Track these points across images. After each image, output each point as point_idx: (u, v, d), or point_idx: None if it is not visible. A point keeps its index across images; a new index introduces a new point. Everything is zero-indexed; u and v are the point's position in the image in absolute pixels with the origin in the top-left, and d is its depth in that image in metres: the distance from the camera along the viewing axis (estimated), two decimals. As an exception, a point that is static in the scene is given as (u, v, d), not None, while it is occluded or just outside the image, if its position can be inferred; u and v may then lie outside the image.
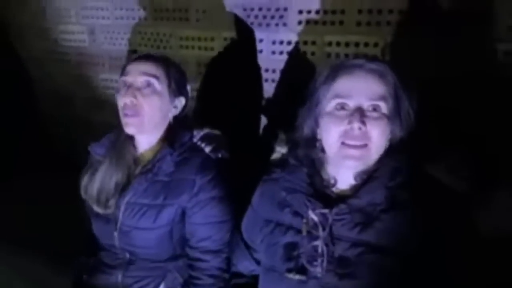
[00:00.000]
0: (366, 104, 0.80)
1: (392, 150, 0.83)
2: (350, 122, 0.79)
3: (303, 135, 0.91)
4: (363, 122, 0.78)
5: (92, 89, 2.14)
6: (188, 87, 1.19)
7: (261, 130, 1.64)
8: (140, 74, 1.06)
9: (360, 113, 0.79)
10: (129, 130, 1.07)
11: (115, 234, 1.10)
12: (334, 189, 0.87)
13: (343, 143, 0.81)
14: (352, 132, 0.79)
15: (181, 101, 1.15)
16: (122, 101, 1.06)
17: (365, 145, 0.80)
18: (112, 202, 1.09)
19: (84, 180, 1.15)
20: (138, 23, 1.85)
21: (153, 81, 1.06)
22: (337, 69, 0.85)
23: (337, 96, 0.82)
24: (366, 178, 0.82)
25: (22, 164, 2.16)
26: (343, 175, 0.86)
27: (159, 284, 1.10)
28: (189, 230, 1.08)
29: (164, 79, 1.09)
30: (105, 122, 2.12)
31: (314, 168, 0.90)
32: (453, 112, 1.17)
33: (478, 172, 0.79)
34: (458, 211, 0.78)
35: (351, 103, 0.81)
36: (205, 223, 1.07)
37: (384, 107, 0.80)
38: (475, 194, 0.77)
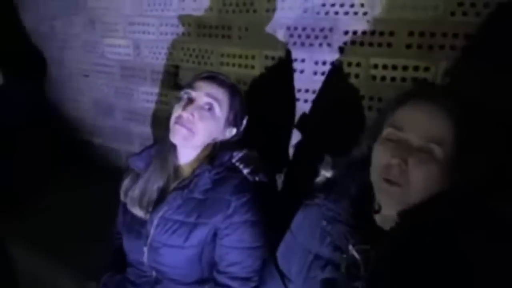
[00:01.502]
0: (416, 142, 0.72)
1: (447, 195, 0.73)
2: (392, 156, 0.72)
3: (361, 153, 0.86)
4: (405, 161, 0.70)
5: (133, 102, 2.18)
6: (245, 120, 1.18)
7: (298, 151, 1.59)
8: (206, 94, 1.06)
9: (404, 149, 0.71)
10: (174, 138, 1.07)
11: (145, 249, 1.08)
12: (379, 219, 0.80)
13: (383, 178, 0.74)
14: (392, 168, 0.72)
15: (232, 131, 1.15)
16: (179, 112, 1.06)
17: (400, 185, 0.72)
18: (151, 205, 1.10)
19: (125, 183, 1.16)
20: (182, 39, 1.87)
21: (215, 105, 1.07)
22: (406, 95, 0.78)
23: (392, 124, 0.76)
24: (410, 217, 0.74)
25: (60, 174, 2.22)
26: (386, 206, 0.78)
27: None
28: (218, 253, 1.05)
29: (226, 107, 1.09)
30: (143, 134, 2.16)
31: (363, 190, 0.83)
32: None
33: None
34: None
35: (401, 136, 0.73)
36: (236, 247, 1.03)
37: (438, 150, 0.70)
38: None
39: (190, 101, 1.06)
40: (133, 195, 1.11)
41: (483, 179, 0.73)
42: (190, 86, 1.09)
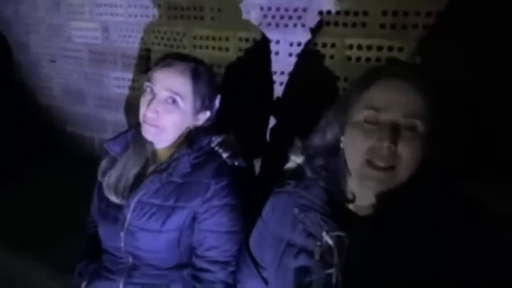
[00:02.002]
0: (401, 121, 0.70)
1: (427, 175, 0.73)
2: (379, 139, 0.70)
3: (325, 141, 0.83)
4: (395, 142, 0.69)
5: (103, 88, 2.11)
6: (217, 100, 1.14)
7: (275, 135, 1.58)
8: (166, 89, 1.02)
9: (393, 130, 0.69)
10: (146, 136, 1.06)
11: (122, 234, 1.06)
12: (353, 207, 0.79)
13: (368, 161, 0.72)
14: (380, 151, 0.70)
15: (205, 115, 1.11)
16: (144, 111, 1.03)
17: (392, 168, 0.70)
18: (126, 190, 1.08)
19: (103, 164, 1.15)
20: (152, 21, 1.80)
21: (177, 98, 1.03)
22: (374, 74, 0.76)
23: (369, 106, 0.73)
24: (389, 200, 0.73)
25: (28, 163, 2.15)
26: (363, 192, 0.78)
27: None
28: (197, 238, 1.04)
29: (190, 97, 1.05)
30: (116, 121, 2.10)
31: (333, 180, 0.82)
32: (492, 124, 1.09)
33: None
34: (499, 236, 0.69)
35: (384, 117, 0.71)
36: (215, 231, 1.03)
37: (421, 126, 0.70)
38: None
39: (152, 97, 1.02)
40: (109, 181, 1.09)
41: (454, 152, 0.74)
42: (150, 78, 1.04)
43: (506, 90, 1.09)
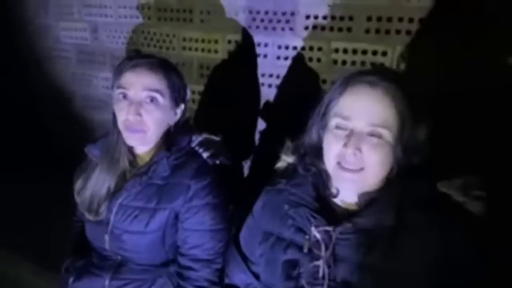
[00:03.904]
0: (366, 129, 0.74)
1: (401, 173, 0.77)
2: (345, 145, 0.75)
3: (311, 140, 0.87)
4: (359, 148, 0.73)
5: (92, 88, 2.10)
6: (188, 90, 1.14)
7: (263, 136, 1.60)
8: (143, 89, 1.00)
9: (356, 138, 0.74)
10: (131, 143, 1.05)
11: (106, 237, 1.07)
12: (340, 203, 0.83)
13: (338, 164, 0.77)
14: (347, 156, 0.75)
15: (181, 107, 1.11)
16: (124, 116, 1.01)
17: (361, 169, 0.75)
18: (103, 208, 1.07)
19: (78, 184, 1.13)
20: (141, 22, 1.81)
21: (157, 96, 1.02)
22: (348, 81, 0.79)
23: (338, 114, 0.78)
24: (371, 199, 0.78)
25: (19, 163, 2.13)
26: (346, 192, 0.82)
27: None
28: (181, 236, 1.05)
29: (167, 91, 1.04)
30: (106, 122, 2.09)
31: (320, 176, 0.86)
32: (468, 128, 1.13)
33: (494, 192, 0.74)
34: (472, 234, 0.73)
35: (350, 125, 0.76)
36: (197, 229, 1.04)
37: (386, 134, 0.74)
38: (490, 216, 0.72)
39: (131, 102, 1.00)
40: (84, 199, 1.09)
41: (423, 154, 0.77)
42: (121, 84, 1.01)
43: (486, 93, 1.14)
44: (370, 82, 0.76)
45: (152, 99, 1.01)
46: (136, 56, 1.06)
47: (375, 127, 0.74)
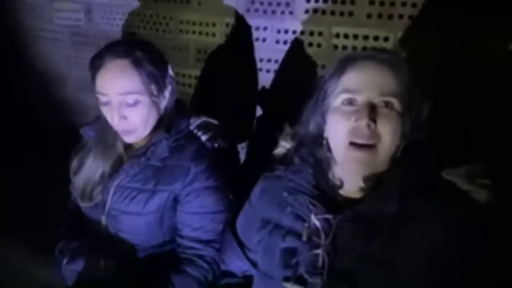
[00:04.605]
0: (377, 100, 0.72)
1: (405, 154, 0.75)
2: (357, 119, 0.72)
3: (309, 132, 0.84)
4: (373, 119, 0.71)
5: (86, 71, 2.05)
6: (170, 70, 1.08)
7: (260, 122, 1.58)
8: (119, 94, 0.97)
9: (369, 109, 0.71)
10: (128, 141, 1.05)
11: (103, 218, 1.07)
12: (341, 192, 0.81)
13: (351, 143, 0.74)
14: (360, 130, 0.72)
15: (168, 90, 1.07)
16: (111, 120, 1.00)
17: (374, 146, 0.72)
18: (97, 192, 1.07)
19: (74, 165, 1.12)
20: (137, 3, 1.77)
21: (135, 97, 0.98)
22: (346, 61, 0.78)
23: (345, 90, 0.75)
24: (376, 183, 0.75)
25: (9, 147, 2.09)
26: (350, 177, 0.79)
27: (145, 269, 1.06)
28: (181, 219, 1.05)
29: (144, 88, 0.99)
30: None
31: (320, 168, 0.83)
32: (472, 116, 1.11)
33: (500, 180, 0.72)
34: (478, 223, 0.71)
35: (360, 98, 0.73)
36: (198, 212, 1.03)
37: (396, 103, 0.72)
38: (496, 204, 0.71)
39: (111, 106, 0.98)
40: (78, 185, 1.09)
41: (425, 129, 0.76)
42: (98, 90, 0.98)
43: (491, 83, 1.12)
44: (371, 55, 0.75)
45: (132, 101, 0.98)
46: (104, 52, 0.99)
47: (385, 96, 0.72)
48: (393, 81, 0.73)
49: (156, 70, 1.02)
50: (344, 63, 0.78)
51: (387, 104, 0.73)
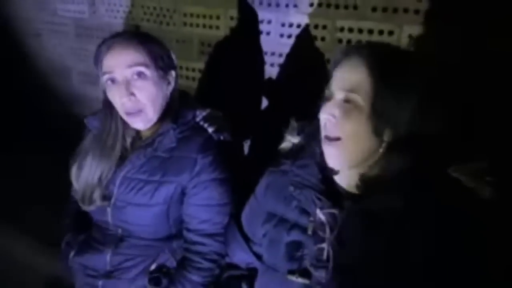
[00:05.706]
0: (339, 96, 0.75)
1: (407, 149, 0.75)
2: (323, 113, 0.76)
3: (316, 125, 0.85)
4: (332, 114, 0.74)
5: (89, 63, 2.06)
6: (173, 56, 1.10)
7: (264, 117, 1.58)
8: (126, 67, 0.97)
9: (331, 104, 0.75)
10: (136, 127, 1.04)
11: (108, 209, 1.07)
12: (345, 186, 0.81)
13: (325, 137, 0.77)
14: (327, 124, 0.76)
15: (172, 75, 1.08)
16: (119, 101, 0.99)
17: (338, 139, 0.75)
18: (96, 195, 1.06)
19: (73, 170, 1.10)
20: (141, -4, 1.77)
21: (143, 69, 0.99)
22: (339, 55, 0.80)
23: (327, 86, 0.78)
24: (373, 179, 0.76)
25: (14, 138, 2.11)
26: (331, 164, 0.80)
27: (150, 264, 1.07)
28: (188, 212, 1.05)
29: (150, 61, 1.01)
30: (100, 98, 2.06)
31: (322, 157, 0.83)
32: (481, 108, 1.11)
33: (506, 178, 0.72)
34: (481, 220, 0.71)
35: (330, 94, 0.77)
36: (205, 204, 1.04)
37: (357, 98, 0.73)
38: (501, 202, 0.71)
39: (120, 84, 0.98)
40: (78, 188, 1.09)
41: (408, 128, 0.75)
42: (105, 70, 0.99)
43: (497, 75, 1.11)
44: (346, 51, 0.78)
45: (139, 74, 0.99)
46: (110, 38, 1.02)
47: (348, 92, 0.74)
48: (358, 77, 0.73)
49: (159, 49, 1.04)
50: (338, 57, 0.80)
51: (347, 100, 0.74)
